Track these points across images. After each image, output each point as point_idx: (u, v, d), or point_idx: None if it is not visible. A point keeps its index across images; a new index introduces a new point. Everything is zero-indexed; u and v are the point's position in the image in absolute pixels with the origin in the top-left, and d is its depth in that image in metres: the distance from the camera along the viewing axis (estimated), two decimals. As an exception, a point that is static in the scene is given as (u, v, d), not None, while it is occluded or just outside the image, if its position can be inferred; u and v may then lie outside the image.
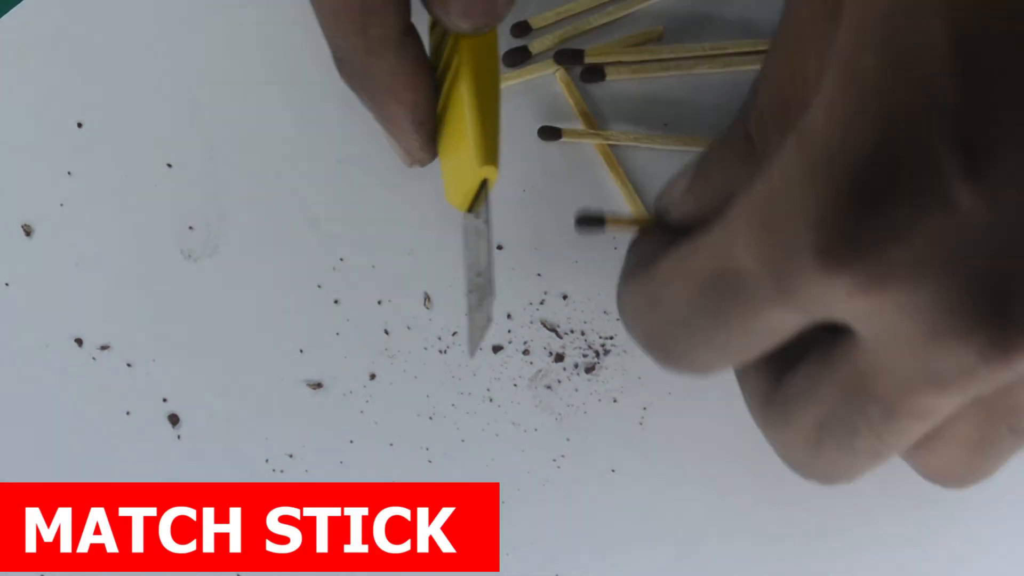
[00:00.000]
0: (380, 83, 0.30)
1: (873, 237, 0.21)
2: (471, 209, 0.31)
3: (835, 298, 0.23)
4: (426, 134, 0.32)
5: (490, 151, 0.30)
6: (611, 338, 0.35)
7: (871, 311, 0.23)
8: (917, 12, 0.21)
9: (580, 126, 0.37)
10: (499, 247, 0.36)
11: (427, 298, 0.35)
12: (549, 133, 0.36)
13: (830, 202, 0.22)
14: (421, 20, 0.30)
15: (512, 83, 0.37)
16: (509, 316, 0.35)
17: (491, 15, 0.29)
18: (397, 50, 0.30)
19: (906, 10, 0.21)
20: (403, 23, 0.30)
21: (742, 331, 0.26)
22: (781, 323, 0.25)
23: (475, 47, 0.31)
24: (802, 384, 0.26)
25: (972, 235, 0.21)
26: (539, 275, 0.36)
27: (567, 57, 0.37)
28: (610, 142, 0.36)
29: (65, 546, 0.34)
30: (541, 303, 0.35)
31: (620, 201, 0.36)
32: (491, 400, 0.35)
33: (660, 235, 0.30)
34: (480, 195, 0.31)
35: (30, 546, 0.34)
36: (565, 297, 0.35)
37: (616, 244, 0.36)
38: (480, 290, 0.31)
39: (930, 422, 0.25)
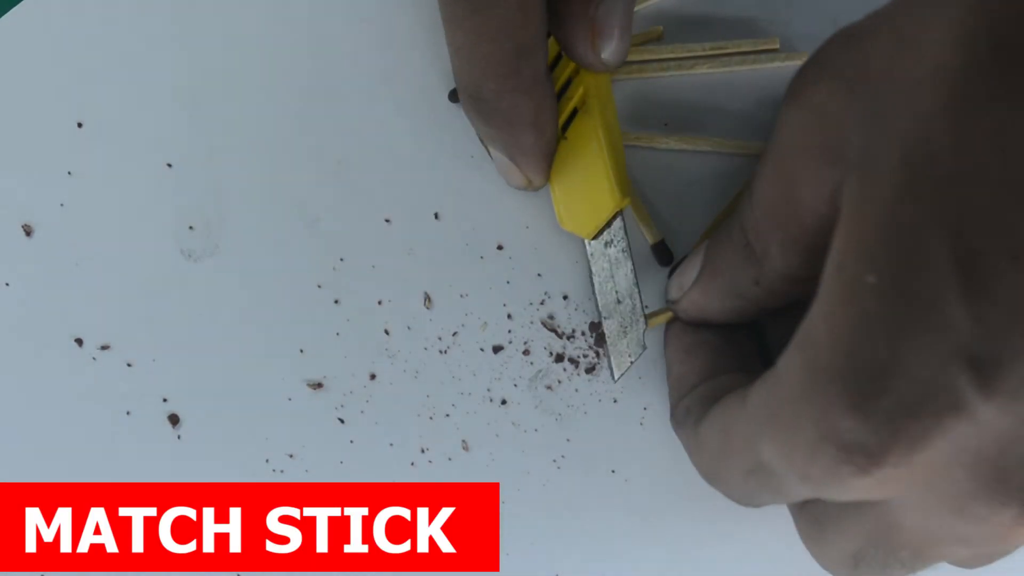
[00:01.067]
0: (522, 118, 0.32)
1: (890, 447, 0.22)
2: (597, 236, 0.33)
3: (862, 492, 0.24)
4: (550, 162, 0.33)
5: (623, 183, 0.32)
6: (598, 346, 0.35)
7: (895, 494, 0.24)
8: (919, 235, 0.21)
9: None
10: (499, 247, 0.36)
11: (427, 298, 0.35)
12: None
13: (842, 415, 0.22)
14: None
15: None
16: (509, 316, 0.35)
17: (624, 54, 0.32)
18: (544, 87, 0.31)
19: (910, 233, 0.22)
20: (547, 61, 0.31)
21: (789, 500, 0.28)
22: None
23: (600, 81, 0.33)
24: (831, 512, 0.28)
25: (993, 436, 0.22)
26: (539, 275, 0.36)
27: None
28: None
29: (65, 546, 0.34)
30: (541, 303, 0.35)
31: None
32: (491, 400, 0.35)
33: (691, 352, 0.32)
34: (613, 224, 0.33)
35: (30, 546, 0.34)
36: (565, 297, 0.35)
37: (616, 244, 0.36)
38: (624, 317, 0.33)
39: (957, 557, 0.26)
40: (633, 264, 0.33)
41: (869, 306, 0.22)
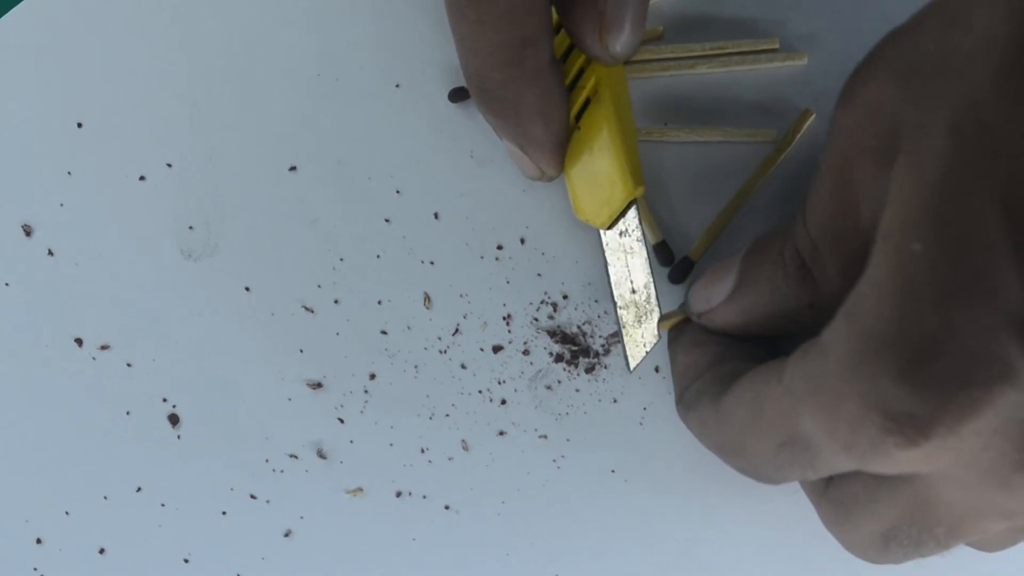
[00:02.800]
0: (530, 108, 0.31)
1: (939, 417, 0.22)
2: (612, 226, 0.33)
3: (906, 465, 0.24)
4: (563, 153, 0.33)
5: (637, 172, 0.32)
6: (611, 338, 0.35)
7: (939, 467, 0.24)
8: (969, 202, 0.21)
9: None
10: (499, 247, 0.36)
11: (427, 298, 0.35)
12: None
13: (891, 385, 0.22)
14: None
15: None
16: (509, 316, 0.35)
17: (636, 47, 0.31)
18: (549, 75, 0.31)
19: (957, 199, 0.22)
20: (552, 51, 0.31)
21: (818, 474, 0.27)
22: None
23: (612, 71, 0.33)
24: (860, 493, 0.27)
25: None
26: (539, 275, 0.36)
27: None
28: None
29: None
30: (541, 303, 0.35)
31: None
32: (491, 400, 0.35)
33: (698, 346, 0.32)
34: (627, 214, 0.33)
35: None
36: (565, 297, 0.35)
37: (616, 244, 0.36)
38: (640, 307, 0.33)
39: (992, 533, 0.26)
40: (648, 254, 0.33)
41: (917, 274, 0.22)
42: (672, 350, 0.33)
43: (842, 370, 0.23)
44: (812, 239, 0.28)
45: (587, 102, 0.33)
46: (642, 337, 0.34)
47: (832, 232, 0.27)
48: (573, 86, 0.33)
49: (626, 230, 0.33)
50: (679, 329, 0.33)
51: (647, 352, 0.34)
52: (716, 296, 0.31)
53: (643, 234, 0.33)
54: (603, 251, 0.34)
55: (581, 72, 0.33)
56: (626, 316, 0.34)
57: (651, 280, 0.33)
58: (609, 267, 0.34)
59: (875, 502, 0.27)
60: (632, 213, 0.33)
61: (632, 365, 0.34)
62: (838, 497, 0.28)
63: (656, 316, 0.33)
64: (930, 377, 0.22)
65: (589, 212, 0.33)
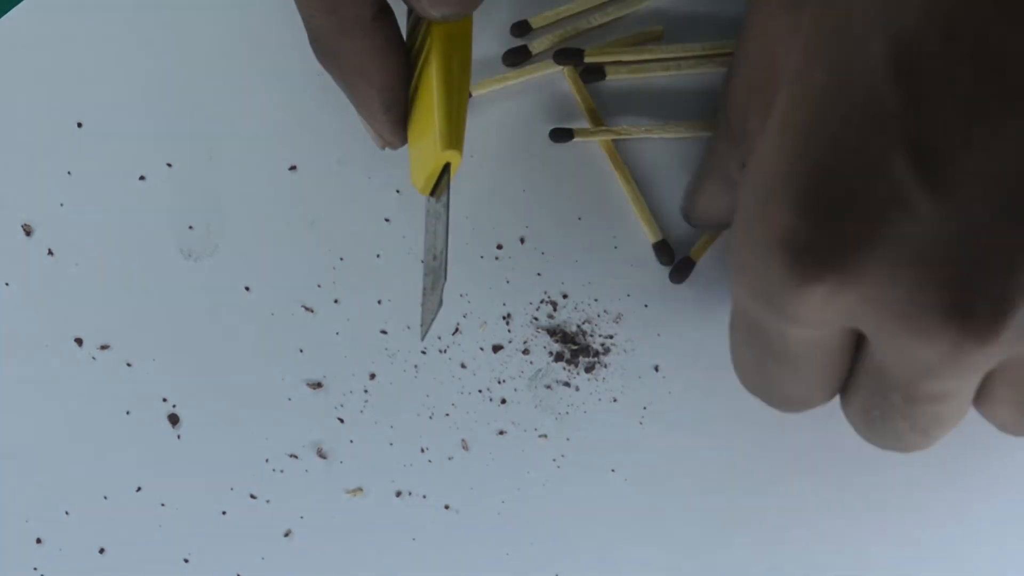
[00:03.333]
0: (350, 63, 0.30)
1: (837, 246, 0.22)
2: (432, 193, 0.31)
3: (818, 308, 0.23)
4: (395, 117, 0.32)
5: (455, 136, 0.30)
6: (611, 337, 0.35)
7: (857, 313, 0.23)
8: (859, 30, 0.22)
9: (585, 124, 0.37)
10: (499, 246, 0.36)
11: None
12: (561, 135, 0.36)
13: (789, 218, 0.22)
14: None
15: (513, 82, 0.37)
16: (509, 316, 0.35)
17: (462, 5, 0.29)
18: (368, 30, 0.30)
19: (850, 28, 0.22)
20: (376, 4, 0.30)
21: (793, 363, 0.27)
22: (811, 343, 0.26)
23: (447, 33, 0.31)
24: (856, 376, 0.27)
25: (933, 233, 0.22)
26: (539, 275, 0.36)
27: (567, 57, 0.37)
28: (622, 137, 0.36)
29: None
30: (541, 303, 0.35)
31: (623, 198, 0.36)
32: (491, 400, 0.35)
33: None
34: (442, 180, 0.31)
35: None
36: (565, 297, 0.35)
37: (616, 243, 0.36)
38: (434, 273, 0.31)
39: (954, 402, 0.26)
40: (447, 220, 0.31)
41: (813, 105, 0.22)
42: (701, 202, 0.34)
43: (748, 219, 0.23)
44: (735, 97, 0.28)
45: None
46: (431, 304, 0.31)
47: (751, 86, 0.28)
48: (422, 52, 0.31)
49: (440, 197, 0.31)
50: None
51: (432, 320, 0.31)
52: (689, 196, 0.33)
53: (447, 200, 0.31)
54: (425, 218, 0.32)
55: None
56: (426, 283, 0.32)
57: (445, 248, 0.31)
58: (425, 235, 0.32)
59: (855, 376, 0.27)
60: (445, 178, 0.31)
61: (423, 335, 0.32)
62: (859, 401, 0.28)
63: (442, 282, 0.31)
64: (826, 206, 0.22)
65: (415, 177, 0.32)
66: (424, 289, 0.31)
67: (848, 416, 0.29)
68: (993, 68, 0.21)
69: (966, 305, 0.22)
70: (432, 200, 0.31)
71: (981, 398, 0.27)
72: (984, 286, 0.22)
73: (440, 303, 0.31)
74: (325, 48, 0.31)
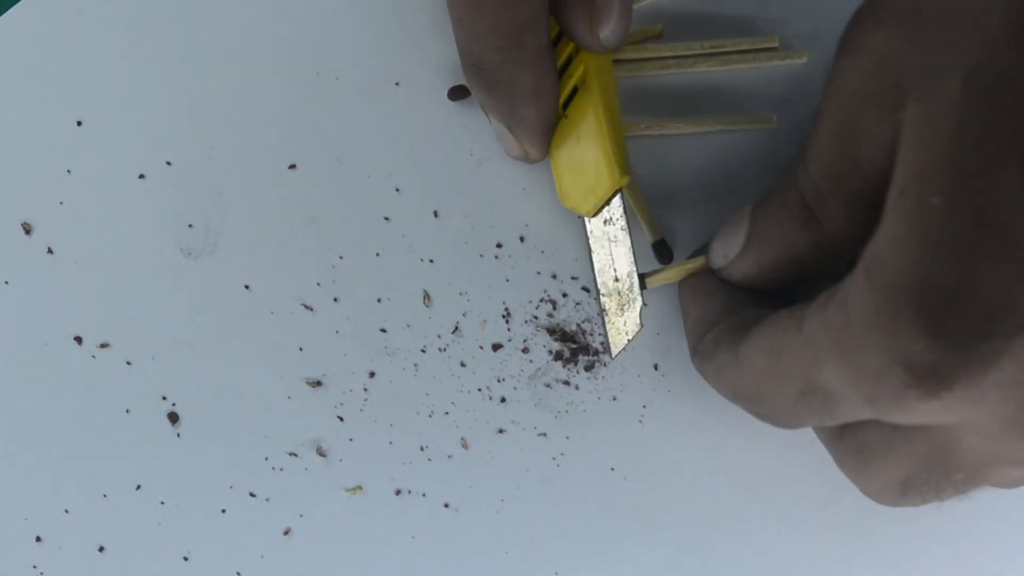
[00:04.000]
0: (523, 91, 0.32)
1: (964, 371, 0.22)
2: (596, 214, 0.33)
3: (922, 416, 0.24)
4: (551, 137, 0.34)
5: (623, 162, 0.32)
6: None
7: (960, 418, 0.24)
8: (987, 154, 0.22)
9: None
10: (498, 245, 0.36)
11: (426, 296, 0.35)
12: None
13: (918, 342, 0.22)
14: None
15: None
16: (509, 314, 0.35)
17: (624, 36, 0.32)
18: (545, 60, 0.31)
19: (974, 151, 0.22)
20: (549, 35, 0.31)
21: (837, 421, 0.27)
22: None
23: (601, 60, 0.33)
24: (876, 441, 0.28)
25: None
26: (538, 273, 0.36)
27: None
28: (629, 134, 0.36)
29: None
30: (541, 301, 0.35)
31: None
32: (490, 398, 0.35)
33: (708, 294, 0.32)
34: (612, 202, 0.33)
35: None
36: (565, 295, 0.35)
37: (616, 242, 0.36)
38: (623, 296, 0.33)
39: (1013, 478, 0.27)
40: (632, 243, 0.33)
41: (937, 228, 0.22)
42: (683, 305, 0.33)
43: (864, 324, 0.23)
44: (813, 181, 0.28)
45: (575, 91, 0.33)
46: (624, 325, 0.34)
47: (834, 175, 0.27)
48: (563, 73, 0.33)
49: (611, 219, 0.33)
50: (688, 281, 0.33)
51: (628, 340, 0.34)
52: (731, 250, 0.31)
53: (627, 223, 0.33)
54: (587, 239, 0.34)
55: (569, 61, 0.33)
56: (609, 304, 0.34)
57: (634, 269, 0.33)
58: (593, 255, 0.34)
59: (892, 450, 0.27)
60: (617, 202, 0.33)
61: (614, 353, 0.34)
62: (855, 445, 0.28)
63: (639, 304, 0.33)
64: (952, 330, 0.22)
65: (575, 200, 0.33)
66: (606, 310, 0.34)
67: (861, 475, 0.29)
68: None
69: None
70: (597, 222, 0.33)
71: None
72: None
73: (641, 326, 0.33)
74: (495, 78, 0.32)
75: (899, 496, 0.28)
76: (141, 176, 0.36)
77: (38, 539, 0.35)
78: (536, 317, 0.35)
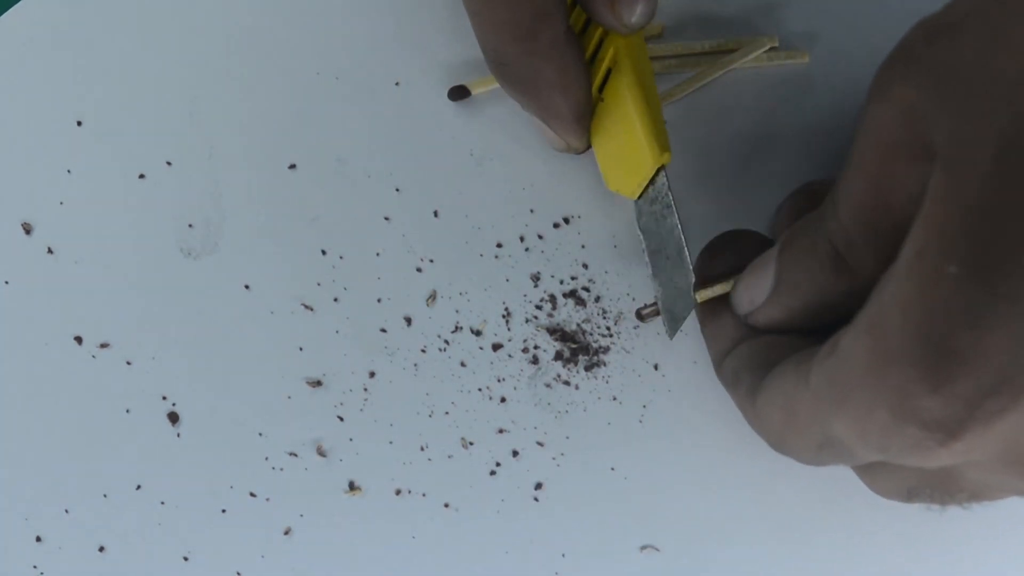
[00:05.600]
0: (548, 82, 0.32)
1: (972, 426, 0.23)
2: (642, 196, 0.33)
3: (937, 462, 0.24)
4: (587, 123, 0.33)
5: (663, 139, 0.32)
6: (611, 336, 0.35)
7: (968, 460, 0.25)
8: (1006, 227, 0.22)
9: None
10: (499, 244, 0.36)
11: (426, 296, 0.35)
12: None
13: (924, 399, 0.23)
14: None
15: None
16: (509, 314, 0.35)
17: (649, 15, 0.31)
18: (563, 48, 0.31)
19: (995, 223, 0.22)
20: (567, 24, 0.31)
21: (859, 463, 0.28)
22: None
23: (631, 40, 0.32)
24: (885, 464, 0.28)
25: None
26: (539, 273, 0.36)
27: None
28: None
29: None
30: (541, 301, 0.35)
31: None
32: (491, 398, 0.35)
33: (750, 337, 0.31)
34: (656, 181, 0.32)
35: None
36: (565, 295, 0.35)
37: (616, 242, 0.36)
38: (675, 274, 0.32)
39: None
40: (680, 220, 0.32)
41: (950, 295, 0.22)
42: (701, 321, 0.33)
43: (869, 381, 0.24)
44: (846, 230, 0.28)
45: (608, 73, 0.33)
46: (680, 305, 0.32)
47: (866, 222, 0.27)
48: (594, 59, 0.33)
49: (656, 198, 0.33)
50: (708, 306, 0.32)
51: (684, 319, 0.32)
52: (758, 296, 0.31)
53: (672, 200, 0.32)
54: (636, 221, 0.33)
55: (601, 45, 0.33)
56: (662, 285, 0.33)
57: (684, 247, 0.32)
58: (642, 236, 0.33)
59: (900, 470, 0.28)
60: (661, 179, 0.32)
61: (672, 334, 0.33)
62: (864, 464, 0.29)
63: (691, 281, 0.32)
64: (960, 389, 0.22)
65: (619, 183, 0.33)
66: (659, 293, 0.33)
67: (870, 480, 0.29)
68: None
69: None
70: (643, 203, 0.33)
71: None
72: None
73: (694, 303, 0.32)
74: (518, 72, 0.32)
75: (904, 500, 0.29)
76: (141, 176, 0.36)
77: (38, 539, 0.35)
78: (536, 317, 0.35)
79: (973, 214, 0.22)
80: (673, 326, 0.33)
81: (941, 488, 0.27)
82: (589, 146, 0.34)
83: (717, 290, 0.32)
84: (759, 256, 0.31)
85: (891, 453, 0.25)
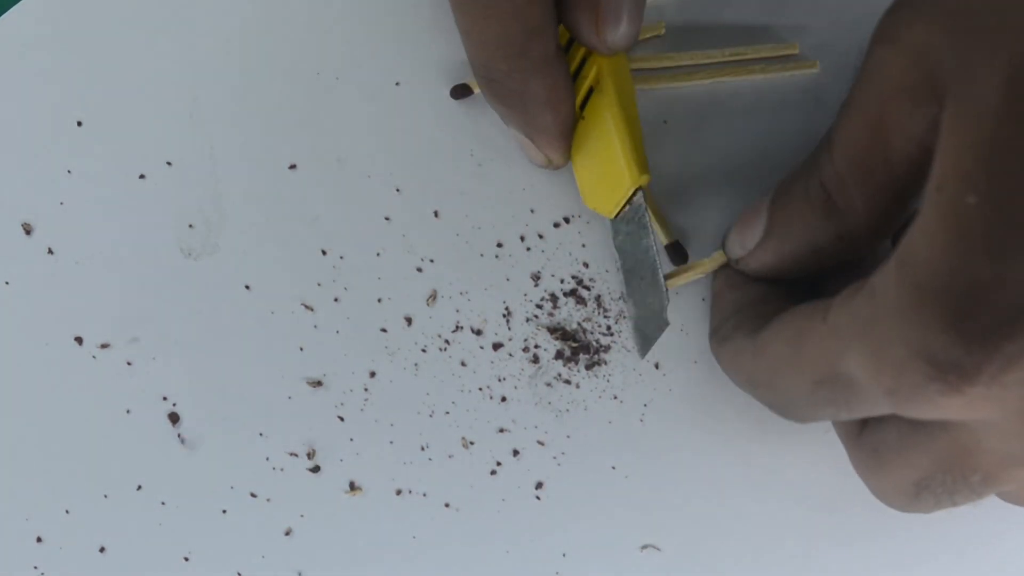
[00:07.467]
0: (536, 98, 0.32)
1: (988, 368, 0.22)
2: (618, 215, 0.33)
3: (947, 411, 0.24)
4: (570, 141, 0.34)
5: (642, 161, 0.32)
6: (611, 335, 0.35)
7: (983, 414, 0.24)
8: (1020, 158, 0.22)
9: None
10: (499, 244, 0.36)
11: (427, 296, 0.35)
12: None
13: (943, 336, 0.23)
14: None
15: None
16: (509, 314, 0.35)
17: (632, 38, 0.32)
18: (554, 65, 0.32)
19: (1010, 150, 0.22)
20: (557, 41, 0.31)
21: (852, 415, 0.27)
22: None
23: (614, 60, 0.33)
24: (894, 439, 0.28)
25: None
26: (539, 273, 0.36)
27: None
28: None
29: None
30: (541, 300, 0.35)
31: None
32: (491, 398, 0.35)
33: (743, 284, 0.32)
34: (634, 201, 0.33)
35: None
36: (565, 294, 0.35)
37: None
38: (648, 294, 0.33)
39: None
40: (655, 241, 0.33)
41: (971, 226, 0.22)
42: (717, 287, 0.33)
43: (891, 315, 0.23)
44: (838, 172, 0.28)
45: (590, 92, 0.33)
46: (651, 325, 0.33)
47: (860, 164, 0.27)
48: (576, 76, 0.33)
49: (632, 218, 0.33)
50: (726, 271, 0.33)
51: (656, 339, 0.33)
52: (749, 240, 0.31)
53: (649, 221, 0.33)
54: (612, 239, 0.34)
55: (584, 63, 0.33)
56: (634, 304, 0.33)
57: (659, 268, 0.33)
58: (618, 255, 0.34)
59: (910, 448, 0.27)
60: (638, 200, 0.33)
61: (642, 354, 0.34)
62: (872, 443, 0.28)
63: (664, 302, 0.32)
64: (978, 326, 0.22)
65: (596, 201, 0.34)
66: (632, 312, 0.34)
67: (875, 476, 0.29)
68: None
69: None
70: (620, 222, 0.33)
71: None
72: None
73: (665, 323, 0.32)
74: (507, 88, 0.32)
75: (911, 498, 0.28)
76: (142, 176, 0.36)
77: (39, 539, 0.35)
78: (537, 316, 0.35)
79: (987, 145, 0.22)
80: (644, 346, 0.33)
81: (955, 470, 0.26)
82: (568, 161, 0.34)
83: (688, 277, 0.33)
84: (751, 203, 0.31)
85: (899, 396, 0.24)
